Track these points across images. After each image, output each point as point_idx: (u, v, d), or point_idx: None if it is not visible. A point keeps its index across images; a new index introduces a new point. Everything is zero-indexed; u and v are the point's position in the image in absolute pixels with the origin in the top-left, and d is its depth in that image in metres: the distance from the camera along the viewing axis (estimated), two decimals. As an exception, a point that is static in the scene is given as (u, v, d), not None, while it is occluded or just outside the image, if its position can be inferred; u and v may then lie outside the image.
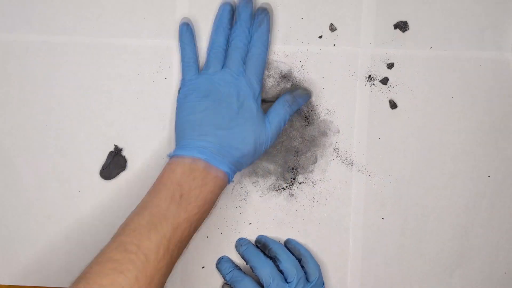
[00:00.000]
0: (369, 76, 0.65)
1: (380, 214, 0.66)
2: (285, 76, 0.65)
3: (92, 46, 0.65)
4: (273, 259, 0.64)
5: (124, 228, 0.56)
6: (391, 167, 0.66)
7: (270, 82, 0.65)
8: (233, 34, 0.62)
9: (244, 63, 0.61)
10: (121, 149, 0.66)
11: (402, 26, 0.65)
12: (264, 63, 0.62)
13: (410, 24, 0.65)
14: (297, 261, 0.63)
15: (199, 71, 0.63)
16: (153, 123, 0.65)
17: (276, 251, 0.63)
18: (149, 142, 0.66)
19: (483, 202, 0.66)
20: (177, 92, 0.65)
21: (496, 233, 0.66)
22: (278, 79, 0.65)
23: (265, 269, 0.62)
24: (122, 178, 0.66)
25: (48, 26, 0.65)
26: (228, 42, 0.62)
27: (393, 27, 0.65)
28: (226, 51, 0.62)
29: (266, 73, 0.65)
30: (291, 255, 0.64)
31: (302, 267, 0.63)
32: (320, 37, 0.65)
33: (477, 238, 0.66)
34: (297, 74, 0.65)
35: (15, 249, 0.66)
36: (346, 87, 0.65)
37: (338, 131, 0.66)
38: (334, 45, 0.65)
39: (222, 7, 0.63)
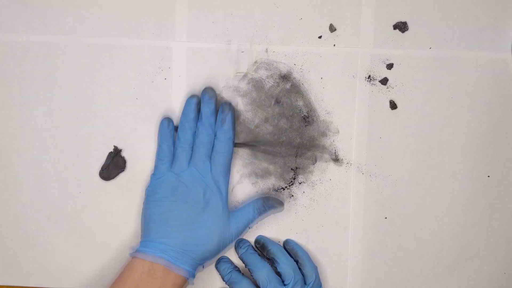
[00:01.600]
0: (369, 76, 0.65)
1: (379, 214, 0.66)
2: (285, 77, 0.65)
3: (91, 46, 0.65)
4: (272, 261, 0.64)
5: None
6: (391, 168, 0.66)
7: (269, 83, 0.65)
8: (197, 131, 0.62)
9: (210, 159, 0.62)
10: (120, 150, 0.66)
11: (401, 26, 0.65)
12: (230, 159, 0.63)
13: (409, 24, 0.65)
14: (295, 263, 0.63)
15: (171, 166, 0.63)
16: (153, 124, 0.65)
17: (274, 253, 0.63)
18: (148, 143, 0.66)
19: (483, 202, 0.66)
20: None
21: (495, 233, 0.66)
22: (277, 80, 0.65)
23: (261, 272, 0.62)
24: (122, 178, 0.66)
25: (47, 26, 0.65)
26: (194, 136, 0.63)
27: (392, 28, 0.65)
28: (192, 147, 0.62)
29: (266, 73, 0.65)
30: (289, 257, 0.64)
31: (300, 269, 0.63)
32: (320, 37, 0.65)
33: (477, 238, 0.66)
34: (297, 75, 0.65)
35: (15, 250, 0.67)
36: (346, 88, 0.65)
37: (338, 132, 0.66)
38: (334, 45, 0.65)
39: (187, 101, 0.63)
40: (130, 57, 0.65)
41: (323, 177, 0.66)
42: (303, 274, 0.63)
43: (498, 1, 0.64)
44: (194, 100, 0.63)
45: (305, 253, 0.65)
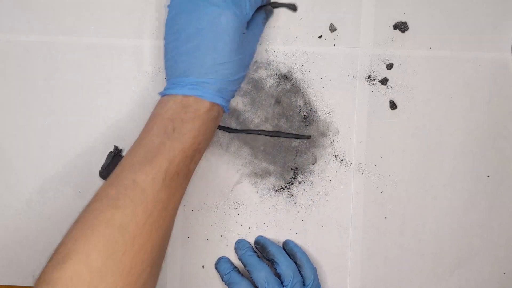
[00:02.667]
0: (369, 76, 0.65)
1: (379, 214, 0.66)
2: (285, 77, 0.65)
3: (91, 46, 0.65)
4: (271, 262, 0.64)
5: (119, 166, 0.55)
6: (391, 168, 0.66)
7: (269, 83, 0.65)
8: None
9: None
10: (120, 150, 0.66)
11: (401, 26, 0.65)
12: None
13: (409, 24, 0.65)
14: (294, 264, 0.63)
15: None
16: (153, 124, 0.65)
17: (273, 254, 0.63)
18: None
19: (482, 202, 0.66)
20: None
21: (495, 233, 0.66)
22: (277, 80, 0.65)
23: (260, 273, 0.62)
24: (122, 178, 0.66)
25: (47, 27, 0.65)
26: None
27: (392, 28, 0.65)
28: None
29: (266, 73, 0.65)
30: (288, 258, 0.64)
31: (299, 270, 0.64)
32: (320, 37, 0.65)
33: (477, 238, 0.66)
34: (297, 75, 0.65)
35: (15, 250, 0.67)
36: (346, 88, 0.65)
37: (338, 132, 0.66)
38: (334, 45, 0.65)
39: None
40: (130, 57, 0.65)
41: (323, 177, 0.66)
42: (302, 276, 0.63)
43: (498, 2, 0.64)
44: None
45: (304, 254, 0.64)
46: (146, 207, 0.52)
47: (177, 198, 0.55)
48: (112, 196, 0.52)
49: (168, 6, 0.59)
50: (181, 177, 0.55)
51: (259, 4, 0.60)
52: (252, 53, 0.60)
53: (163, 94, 0.57)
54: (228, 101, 0.58)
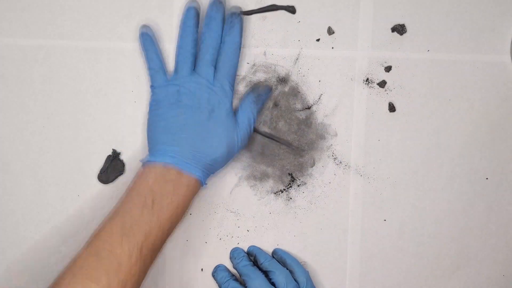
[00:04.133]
0: (367, 79, 0.65)
1: (378, 217, 0.66)
2: (283, 80, 0.65)
3: (89, 50, 0.65)
4: (267, 272, 0.64)
5: (96, 235, 0.57)
6: (389, 170, 0.66)
7: (267, 86, 0.65)
8: (203, 36, 0.61)
9: (215, 66, 0.61)
10: (119, 153, 0.66)
11: (399, 29, 0.65)
12: (237, 66, 0.62)
13: (407, 27, 0.65)
14: (287, 271, 0.63)
15: (167, 76, 0.62)
16: (151, 127, 0.66)
17: (266, 264, 0.64)
18: (147, 146, 0.65)
19: (481, 204, 0.66)
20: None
21: (494, 235, 0.66)
22: (275, 83, 0.65)
23: (255, 282, 0.62)
24: (120, 182, 0.66)
25: (46, 30, 0.65)
26: (196, 44, 0.62)
27: (390, 30, 0.65)
28: (194, 54, 0.62)
29: (264, 76, 0.65)
30: (280, 266, 0.64)
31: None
32: (318, 40, 0.65)
33: (475, 240, 0.66)
34: (295, 78, 0.65)
35: (14, 253, 0.67)
36: (344, 90, 0.65)
37: (336, 134, 0.66)
38: (332, 48, 0.65)
39: (187, 11, 0.62)
40: (128, 61, 0.65)
41: (321, 180, 0.66)
42: (296, 281, 0.63)
43: (496, 4, 0.64)
44: (193, 10, 0.61)
45: (294, 259, 0.64)
46: (120, 279, 0.54)
47: (149, 267, 0.58)
48: (89, 265, 0.54)
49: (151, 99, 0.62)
50: (156, 250, 0.58)
51: (251, 122, 0.63)
52: (242, 136, 0.62)
53: (144, 162, 0.60)
54: (208, 175, 0.61)
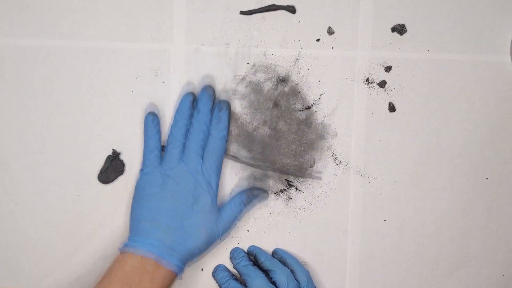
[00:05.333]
0: (367, 79, 0.65)
1: (378, 217, 0.66)
2: (283, 80, 0.65)
3: (89, 50, 0.65)
4: (266, 271, 0.64)
5: None
6: (389, 170, 0.66)
7: (267, 86, 0.65)
8: (192, 127, 0.62)
9: (202, 155, 0.62)
10: (119, 153, 0.66)
11: (399, 29, 0.65)
12: (222, 158, 0.63)
13: (407, 27, 0.65)
14: (288, 270, 0.63)
15: (159, 161, 0.63)
16: (151, 127, 0.66)
17: (267, 264, 0.64)
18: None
19: (481, 204, 0.66)
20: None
21: (494, 235, 0.66)
22: (275, 83, 0.65)
23: (255, 281, 0.62)
24: (120, 182, 0.66)
25: (45, 30, 0.65)
26: (186, 135, 0.63)
27: (390, 30, 0.65)
28: (184, 144, 0.63)
29: (264, 76, 0.65)
30: (281, 265, 0.64)
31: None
32: (318, 40, 0.65)
33: (475, 240, 0.66)
34: (295, 78, 0.65)
35: (14, 253, 0.67)
36: (344, 90, 0.65)
37: (336, 134, 0.66)
38: (332, 48, 0.65)
39: (183, 98, 0.63)
40: (128, 61, 0.65)
41: (321, 180, 0.66)
42: (296, 280, 0.63)
43: (496, 4, 0.64)
44: (190, 98, 0.63)
45: (294, 259, 0.65)
46: None
47: None
48: None
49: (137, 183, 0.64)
50: None
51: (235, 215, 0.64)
52: (223, 230, 0.63)
53: (123, 248, 0.61)
54: (186, 264, 0.62)
